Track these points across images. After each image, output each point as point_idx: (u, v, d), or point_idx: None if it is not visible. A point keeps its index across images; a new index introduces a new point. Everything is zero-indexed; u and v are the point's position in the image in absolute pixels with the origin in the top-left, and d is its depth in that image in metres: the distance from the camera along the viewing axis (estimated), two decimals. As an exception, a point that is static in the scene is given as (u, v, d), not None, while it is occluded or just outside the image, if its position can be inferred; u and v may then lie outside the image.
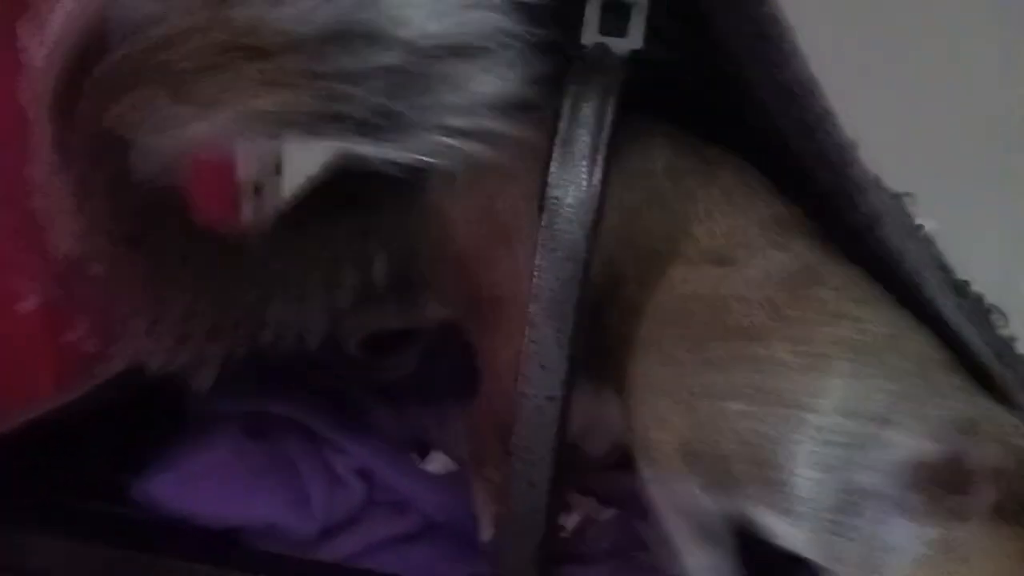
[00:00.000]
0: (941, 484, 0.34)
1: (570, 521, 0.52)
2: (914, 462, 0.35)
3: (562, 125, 0.39)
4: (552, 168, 0.38)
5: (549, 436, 0.40)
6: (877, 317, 0.40)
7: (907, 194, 0.69)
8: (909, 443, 0.35)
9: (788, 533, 0.38)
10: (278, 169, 0.99)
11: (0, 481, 0.48)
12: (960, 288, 0.53)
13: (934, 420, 0.36)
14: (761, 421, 0.38)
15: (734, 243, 0.44)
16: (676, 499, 0.43)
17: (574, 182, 0.38)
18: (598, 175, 0.38)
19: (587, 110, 0.39)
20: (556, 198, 0.38)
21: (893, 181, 0.52)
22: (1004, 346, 0.52)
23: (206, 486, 0.50)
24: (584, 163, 0.38)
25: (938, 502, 0.34)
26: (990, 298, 0.53)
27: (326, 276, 0.51)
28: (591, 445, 0.53)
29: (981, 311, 0.53)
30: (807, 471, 0.37)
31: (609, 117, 0.39)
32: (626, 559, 0.49)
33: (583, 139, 0.38)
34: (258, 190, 0.97)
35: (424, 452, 0.58)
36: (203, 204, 0.80)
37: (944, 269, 0.53)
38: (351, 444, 0.54)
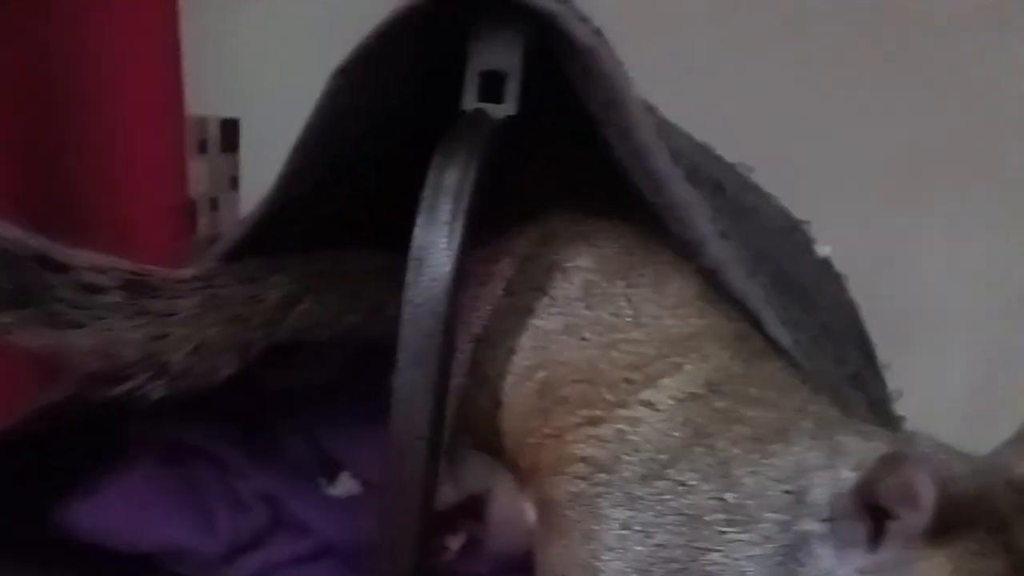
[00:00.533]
0: (867, 511, 0.34)
1: (455, 542, 0.56)
2: (839, 493, 0.35)
3: (427, 191, 0.43)
4: (416, 231, 0.43)
5: (419, 474, 0.44)
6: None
7: (805, 222, 0.75)
8: (832, 478, 0.36)
9: None
10: (234, 184, 1.02)
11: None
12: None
13: (853, 455, 0.37)
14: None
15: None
16: None
17: (436, 243, 0.42)
18: (457, 237, 0.42)
19: (451, 176, 0.43)
20: (419, 258, 0.42)
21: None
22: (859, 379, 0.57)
23: (118, 512, 0.54)
24: (445, 226, 0.43)
25: (864, 529, 0.34)
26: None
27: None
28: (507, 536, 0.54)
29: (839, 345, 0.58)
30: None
31: (471, 181, 0.43)
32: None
33: (445, 205, 0.43)
34: (214, 205, 1.00)
35: (335, 473, 0.62)
36: (151, 220, 0.83)
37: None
38: (256, 471, 0.58)
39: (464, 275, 0.44)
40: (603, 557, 0.40)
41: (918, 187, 1.00)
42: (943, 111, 0.97)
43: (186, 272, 0.54)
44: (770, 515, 0.37)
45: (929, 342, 1.02)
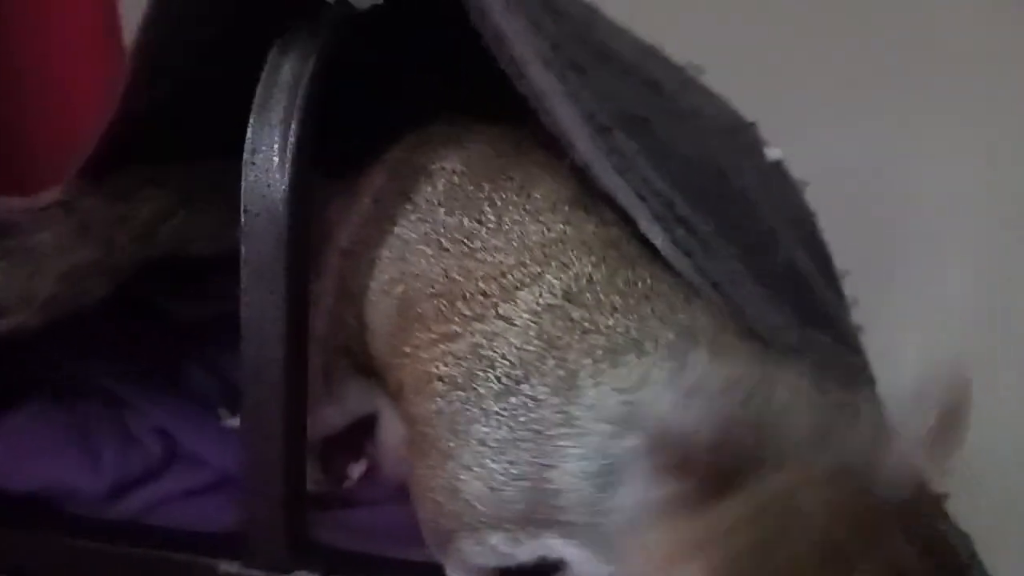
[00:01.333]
0: (667, 451, 0.32)
1: (356, 470, 0.54)
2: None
3: (260, 88, 0.39)
4: (248, 133, 0.39)
5: (277, 394, 0.41)
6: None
7: (752, 123, 0.71)
8: (670, 394, 0.33)
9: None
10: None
11: None
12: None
13: (697, 374, 0.33)
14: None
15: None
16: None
17: (269, 146, 0.39)
18: (292, 138, 0.38)
19: (286, 71, 0.39)
20: (252, 163, 0.39)
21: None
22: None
23: (6, 452, 0.52)
24: (279, 126, 0.39)
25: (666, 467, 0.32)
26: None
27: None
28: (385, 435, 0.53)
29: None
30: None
31: (308, 75, 0.39)
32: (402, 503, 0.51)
33: (279, 103, 0.39)
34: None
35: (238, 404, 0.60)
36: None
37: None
38: (150, 405, 0.56)
39: (309, 183, 0.40)
40: (462, 476, 0.37)
41: (913, 90, 0.94)
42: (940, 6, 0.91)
43: (49, 197, 0.51)
44: (603, 426, 0.34)
45: (926, 255, 0.98)
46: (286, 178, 0.38)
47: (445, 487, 0.38)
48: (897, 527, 0.29)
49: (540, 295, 0.38)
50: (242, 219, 0.39)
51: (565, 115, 0.41)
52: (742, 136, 0.66)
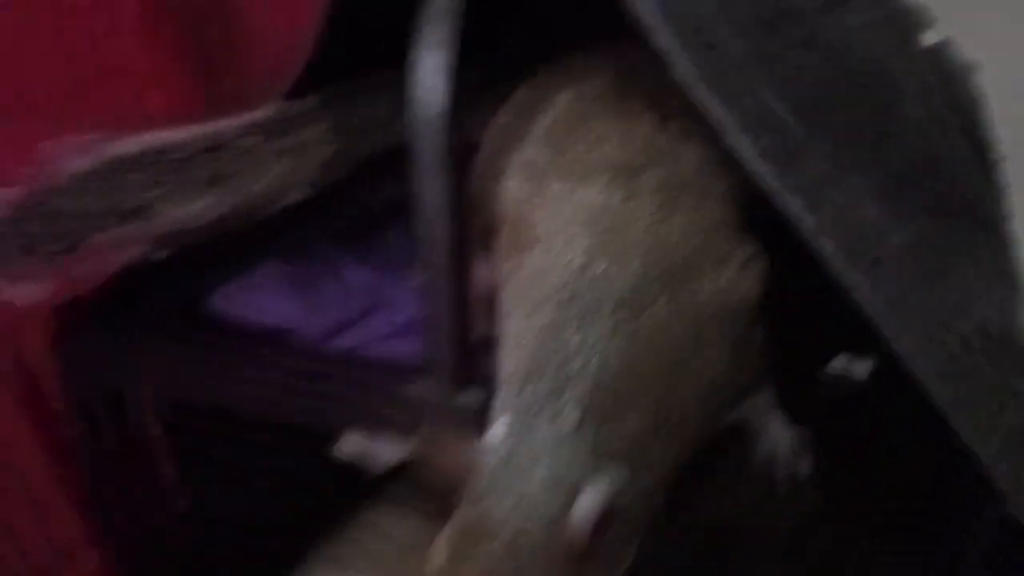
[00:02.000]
0: None
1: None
2: None
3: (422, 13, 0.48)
4: (412, 54, 0.48)
5: (444, 262, 0.52)
6: None
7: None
8: None
9: None
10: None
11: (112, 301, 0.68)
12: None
13: None
14: None
15: None
16: None
17: (429, 64, 0.48)
18: (450, 57, 0.48)
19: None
20: (416, 79, 0.48)
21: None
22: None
23: (248, 299, 0.68)
24: (436, 49, 0.48)
25: None
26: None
27: None
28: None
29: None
30: None
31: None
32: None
33: (439, 26, 0.48)
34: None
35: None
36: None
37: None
38: (358, 264, 0.70)
39: (463, 97, 0.49)
40: None
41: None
42: None
43: (309, 103, 0.65)
44: None
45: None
46: (447, 92, 0.48)
47: None
48: None
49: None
50: (408, 127, 0.49)
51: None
52: (897, 22, 0.67)
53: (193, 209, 0.63)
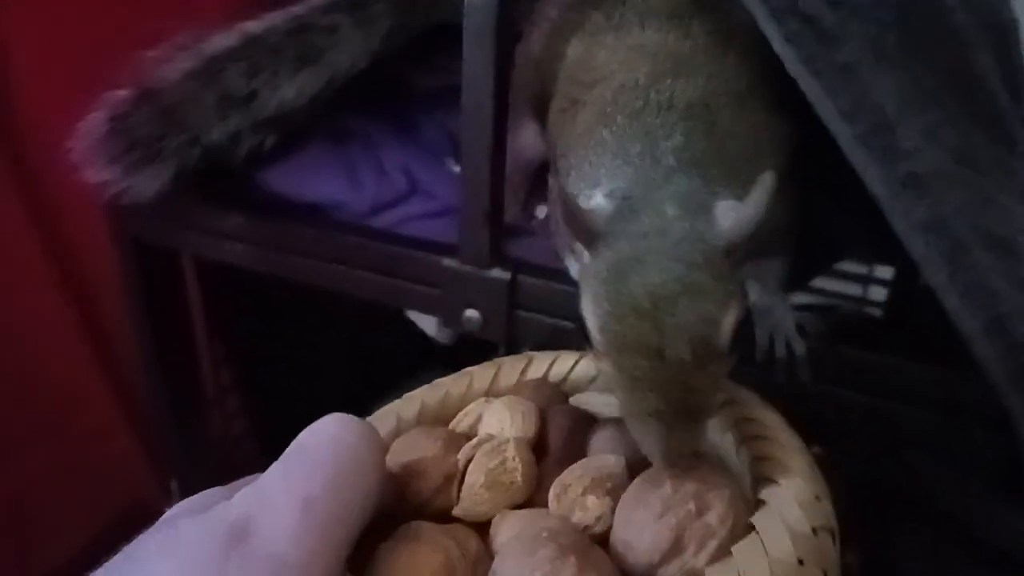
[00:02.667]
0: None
1: (541, 211, 0.69)
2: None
3: None
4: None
5: (486, 136, 0.56)
6: None
7: None
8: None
9: None
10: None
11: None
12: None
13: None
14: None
15: None
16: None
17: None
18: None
19: None
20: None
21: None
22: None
23: (297, 175, 0.72)
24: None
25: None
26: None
27: None
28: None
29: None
30: None
31: None
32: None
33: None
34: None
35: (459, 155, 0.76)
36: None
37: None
38: (399, 150, 0.74)
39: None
40: None
41: None
42: None
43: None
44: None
45: None
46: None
47: None
48: None
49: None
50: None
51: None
52: None
53: (292, 90, 0.67)
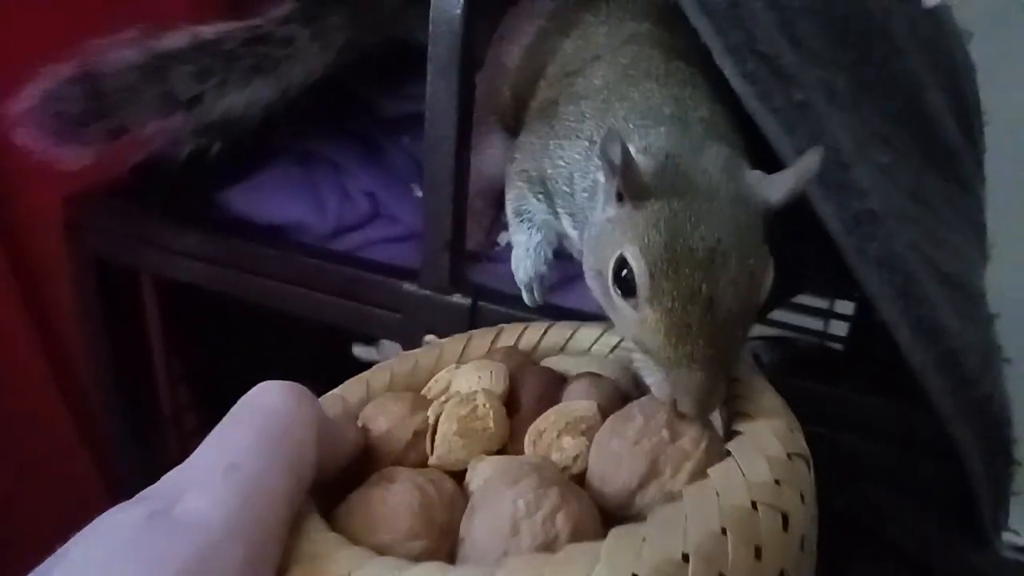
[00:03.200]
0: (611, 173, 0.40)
1: (504, 237, 0.70)
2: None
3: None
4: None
5: (448, 162, 0.56)
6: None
7: None
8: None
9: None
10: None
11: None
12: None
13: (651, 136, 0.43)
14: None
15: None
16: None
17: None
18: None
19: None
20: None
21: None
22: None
23: (260, 196, 0.72)
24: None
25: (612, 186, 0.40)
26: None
27: None
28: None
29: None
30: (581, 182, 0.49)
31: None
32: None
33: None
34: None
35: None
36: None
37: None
38: (363, 173, 0.74)
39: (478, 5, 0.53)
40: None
41: None
42: None
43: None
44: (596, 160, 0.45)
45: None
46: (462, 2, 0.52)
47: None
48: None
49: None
50: (429, 30, 0.53)
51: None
52: None
53: (241, 98, 0.67)
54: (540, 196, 0.54)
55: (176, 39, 0.66)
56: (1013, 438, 0.51)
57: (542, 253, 0.55)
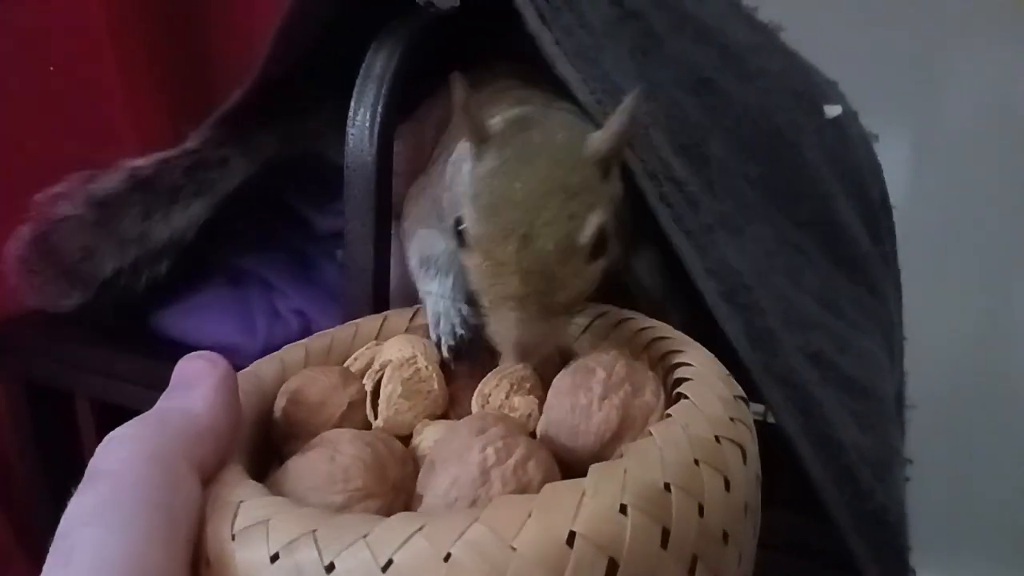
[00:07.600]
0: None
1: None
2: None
3: (359, 77, 0.55)
4: (350, 110, 0.55)
5: (367, 293, 0.58)
6: None
7: (830, 81, 0.78)
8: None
9: None
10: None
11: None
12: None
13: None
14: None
15: None
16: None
17: (363, 123, 0.54)
18: (380, 116, 0.54)
19: (379, 64, 0.55)
20: (352, 134, 0.55)
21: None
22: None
23: (191, 319, 0.73)
24: (371, 108, 0.54)
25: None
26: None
27: None
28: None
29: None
30: None
31: (394, 69, 0.54)
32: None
33: (371, 90, 0.54)
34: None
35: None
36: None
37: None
38: (294, 291, 0.75)
39: (391, 146, 0.55)
40: None
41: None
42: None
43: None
44: None
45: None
46: (375, 145, 0.54)
47: None
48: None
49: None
50: (345, 170, 0.55)
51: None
52: (806, 96, 0.74)
53: (183, 220, 0.69)
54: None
55: (114, 180, 0.68)
56: (908, 546, 0.53)
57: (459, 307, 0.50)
